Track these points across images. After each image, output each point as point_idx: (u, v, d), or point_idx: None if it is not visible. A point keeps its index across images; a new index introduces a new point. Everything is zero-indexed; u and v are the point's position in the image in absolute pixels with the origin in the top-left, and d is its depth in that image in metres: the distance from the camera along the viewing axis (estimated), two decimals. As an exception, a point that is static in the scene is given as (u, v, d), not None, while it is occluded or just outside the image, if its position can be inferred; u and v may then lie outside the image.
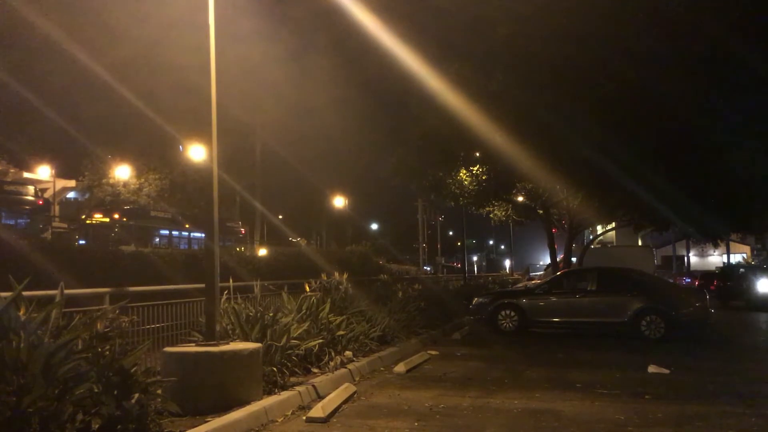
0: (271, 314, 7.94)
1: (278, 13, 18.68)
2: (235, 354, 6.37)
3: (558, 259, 24.18)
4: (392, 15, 13.57)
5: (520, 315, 14.67)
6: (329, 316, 9.43)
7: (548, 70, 14.72)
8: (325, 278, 11.38)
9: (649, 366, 9.38)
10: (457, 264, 68.22)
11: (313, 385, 7.45)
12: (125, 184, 31.56)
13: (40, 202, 33.05)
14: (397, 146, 20.06)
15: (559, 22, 13.80)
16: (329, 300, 9.98)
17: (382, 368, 9.60)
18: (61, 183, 38.47)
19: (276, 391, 6.94)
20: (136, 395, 4.88)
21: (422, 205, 53.75)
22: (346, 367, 8.69)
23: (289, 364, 7.61)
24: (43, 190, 35.22)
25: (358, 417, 6.55)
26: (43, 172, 37.37)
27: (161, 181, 32.17)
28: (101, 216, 30.38)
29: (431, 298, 16.36)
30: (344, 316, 9.95)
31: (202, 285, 6.88)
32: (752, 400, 7.31)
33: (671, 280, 26.21)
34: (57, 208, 36.27)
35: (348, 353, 9.23)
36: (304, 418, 6.36)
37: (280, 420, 6.37)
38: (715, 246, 37.75)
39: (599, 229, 31.94)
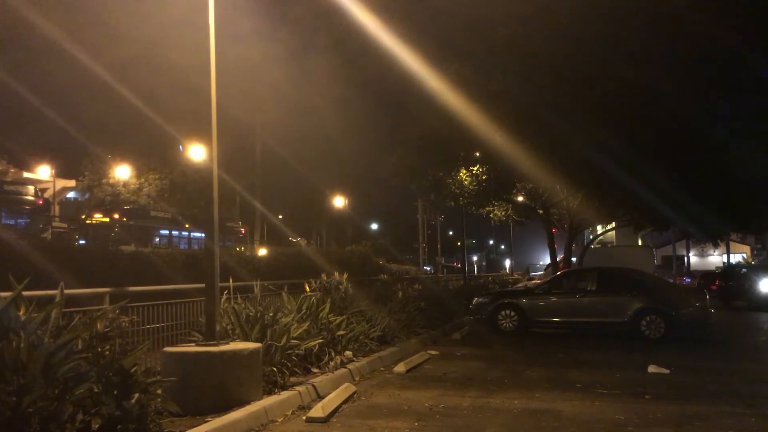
0: (271, 314, 7.94)
1: (278, 13, 18.68)
2: (235, 354, 6.38)
3: (558, 259, 24.16)
4: (392, 15, 13.57)
5: (520, 315, 14.66)
6: (329, 316, 9.43)
7: (548, 70, 14.72)
8: (325, 278, 11.38)
9: (649, 366, 9.37)
10: (457, 264, 68.20)
11: (313, 385, 7.45)
12: (125, 184, 31.59)
13: (40, 202, 33.05)
14: (396, 146, 20.03)
15: (559, 22, 13.81)
16: (329, 300, 9.98)
17: (382, 368, 9.60)
18: (61, 183, 38.53)
19: (276, 391, 6.94)
20: (136, 395, 4.88)
21: (422, 205, 53.74)
22: (346, 367, 8.69)
23: (289, 364, 7.61)
24: (43, 190, 35.25)
25: (358, 417, 6.55)
26: (43, 172, 37.47)
27: (161, 181, 32.21)
28: (101, 216, 30.35)
29: (431, 298, 16.35)
30: (344, 316, 9.95)
31: (202, 285, 6.89)
32: (752, 400, 7.30)
33: (671, 280, 26.21)
34: (57, 208, 36.30)
35: (348, 353, 9.23)
36: (304, 418, 6.37)
37: (280, 420, 6.38)
38: (715, 246, 37.82)
39: (599, 229, 31.94)
